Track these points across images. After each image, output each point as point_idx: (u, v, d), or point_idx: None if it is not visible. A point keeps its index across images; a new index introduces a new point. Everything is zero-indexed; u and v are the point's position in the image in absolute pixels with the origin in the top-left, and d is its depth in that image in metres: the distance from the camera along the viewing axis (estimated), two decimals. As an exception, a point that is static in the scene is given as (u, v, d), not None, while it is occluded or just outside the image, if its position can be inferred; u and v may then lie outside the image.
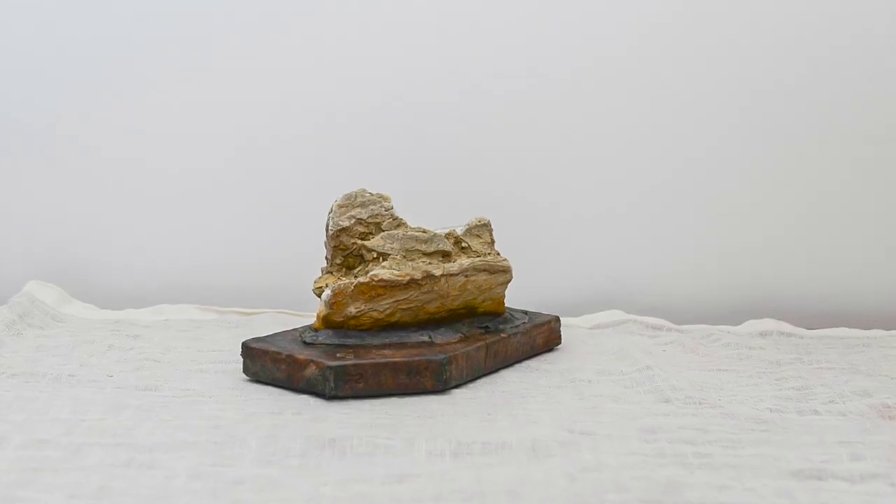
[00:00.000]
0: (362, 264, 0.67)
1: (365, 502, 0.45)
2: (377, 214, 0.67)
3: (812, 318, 0.87)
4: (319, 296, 0.65)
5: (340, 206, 0.67)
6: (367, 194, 0.67)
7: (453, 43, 0.88)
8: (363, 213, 0.67)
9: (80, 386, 0.61)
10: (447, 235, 0.69)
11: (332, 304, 0.64)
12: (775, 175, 0.87)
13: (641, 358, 0.69)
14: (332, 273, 0.67)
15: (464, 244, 0.69)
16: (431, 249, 0.67)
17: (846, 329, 0.81)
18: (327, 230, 0.67)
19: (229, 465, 0.49)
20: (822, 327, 0.84)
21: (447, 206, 0.87)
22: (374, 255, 0.66)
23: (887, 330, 0.82)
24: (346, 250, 0.67)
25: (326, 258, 0.68)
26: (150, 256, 0.90)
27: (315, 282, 0.67)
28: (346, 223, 0.66)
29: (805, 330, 0.81)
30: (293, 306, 0.87)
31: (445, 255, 0.68)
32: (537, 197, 0.89)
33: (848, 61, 0.86)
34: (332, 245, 0.67)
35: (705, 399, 0.60)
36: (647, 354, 0.71)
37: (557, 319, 0.74)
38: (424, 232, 0.68)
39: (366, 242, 0.66)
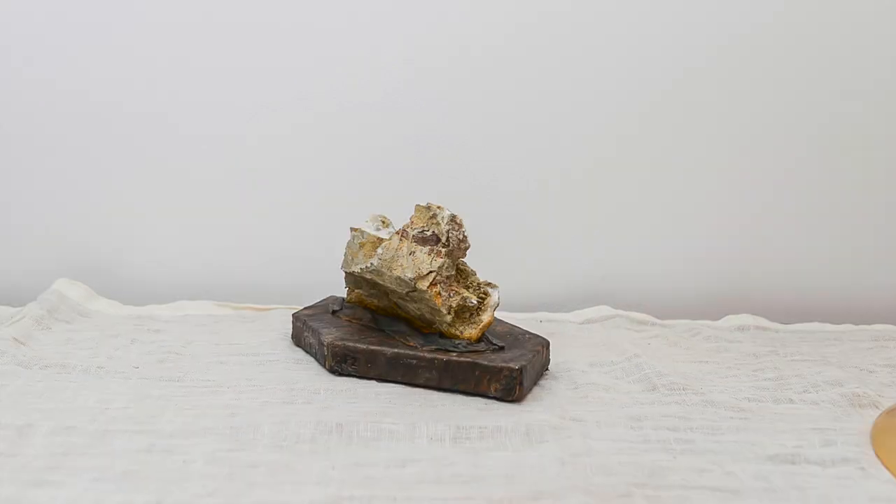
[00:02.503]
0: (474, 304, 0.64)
1: (371, 485, 0.45)
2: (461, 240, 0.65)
3: (787, 313, 0.87)
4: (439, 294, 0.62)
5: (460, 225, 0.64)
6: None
7: (450, 14, 0.88)
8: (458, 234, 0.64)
9: (108, 377, 0.61)
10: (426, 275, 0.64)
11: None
12: (750, 175, 0.87)
13: (629, 348, 0.69)
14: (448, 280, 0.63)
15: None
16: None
17: (819, 324, 0.81)
18: (446, 240, 0.63)
19: (244, 450, 0.49)
20: (797, 322, 0.84)
21: (427, 199, 0.86)
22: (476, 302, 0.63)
23: (857, 325, 0.82)
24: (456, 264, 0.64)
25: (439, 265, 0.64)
26: (170, 255, 0.90)
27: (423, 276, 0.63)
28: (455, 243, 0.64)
29: (780, 324, 0.81)
30: (302, 302, 0.87)
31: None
32: (523, 192, 0.88)
33: (829, 60, 0.86)
34: (451, 257, 0.64)
35: (688, 386, 0.60)
36: (635, 346, 0.71)
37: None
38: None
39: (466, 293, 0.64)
